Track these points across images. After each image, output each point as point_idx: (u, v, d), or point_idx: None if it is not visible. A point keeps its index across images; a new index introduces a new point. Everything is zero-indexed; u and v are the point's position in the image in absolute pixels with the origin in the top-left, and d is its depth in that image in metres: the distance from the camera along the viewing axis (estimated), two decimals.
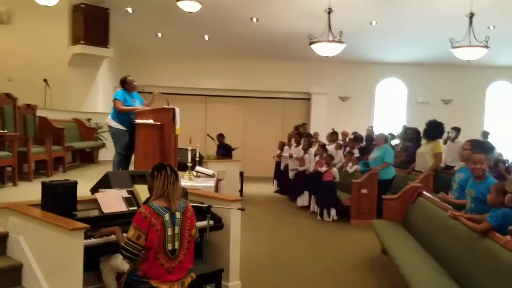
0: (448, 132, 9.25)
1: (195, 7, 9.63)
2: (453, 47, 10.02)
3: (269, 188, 11.40)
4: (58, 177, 7.24)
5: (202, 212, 4.07)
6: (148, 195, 3.98)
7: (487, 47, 9.64)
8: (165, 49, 13.23)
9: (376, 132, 12.11)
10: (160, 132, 6.43)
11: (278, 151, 10.96)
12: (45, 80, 9.78)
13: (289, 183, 9.84)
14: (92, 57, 10.52)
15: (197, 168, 6.67)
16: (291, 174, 9.75)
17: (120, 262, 3.40)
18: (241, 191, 9.69)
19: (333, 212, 7.85)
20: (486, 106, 14.36)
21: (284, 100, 14.28)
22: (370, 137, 10.11)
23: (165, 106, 6.56)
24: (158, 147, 6.38)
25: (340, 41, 9.69)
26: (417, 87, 14.09)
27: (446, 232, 4.13)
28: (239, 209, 4.21)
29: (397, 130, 12.91)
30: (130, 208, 3.85)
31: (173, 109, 6.49)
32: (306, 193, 8.81)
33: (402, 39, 12.49)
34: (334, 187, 7.94)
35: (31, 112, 7.68)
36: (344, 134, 10.72)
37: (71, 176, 7.67)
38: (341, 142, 9.96)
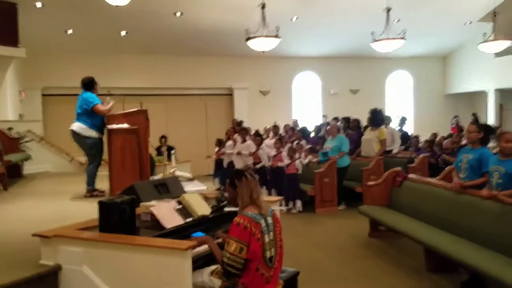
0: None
1: (123, 1, 8.95)
2: (375, 41, 10.89)
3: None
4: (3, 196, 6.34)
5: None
6: (201, 204, 3.73)
7: (404, 38, 10.66)
8: (77, 47, 12.08)
9: (300, 124, 12.70)
10: (137, 136, 5.95)
11: (216, 148, 10.79)
12: None
13: None
14: None
15: (177, 172, 6.29)
16: None
17: (208, 280, 3.12)
18: None
19: (298, 203, 8.03)
20: (386, 94, 15.86)
21: (206, 96, 14.07)
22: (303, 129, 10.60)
23: (138, 109, 6.09)
24: (137, 154, 5.89)
25: (276, 36, 9.87)
26: (329, 79, 14.99)
27: (444, 204, 4.93)
28: (280, 208, 4.12)
29: (317, 121, 13.71)
30: (187, 220, 3.54)
31: (146, 111, 6.07)
32: (263, 188, 8.84)
33: (317, 34, 13.18)
34: (298, 179, 8.12)
35: None
36: (286, 127, 10.98)
37: (18, 194, 6.69)
38: (283, 135, 10.19)
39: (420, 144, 9.68)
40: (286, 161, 8.11)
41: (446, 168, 6.28)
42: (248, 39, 9.97)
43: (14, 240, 4.19)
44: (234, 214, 3.92)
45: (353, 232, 6.49)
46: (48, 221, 4.87)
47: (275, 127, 10.48)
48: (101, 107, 6.11)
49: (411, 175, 6.03)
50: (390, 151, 9.30)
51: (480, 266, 3.79)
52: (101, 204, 3.09)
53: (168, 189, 4.31)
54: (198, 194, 3.90)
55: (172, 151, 9.82)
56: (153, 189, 4.13)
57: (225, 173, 10.49)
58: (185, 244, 2.70)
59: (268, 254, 3.03)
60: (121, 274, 2.86)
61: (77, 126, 6.16)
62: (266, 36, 9.80)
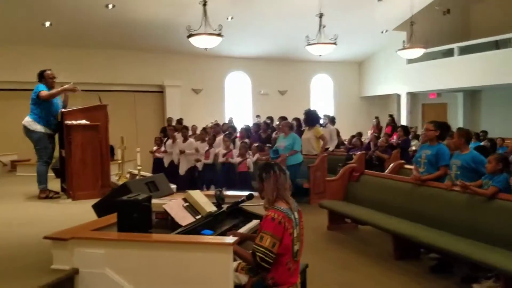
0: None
1: None
2: (308, 44, 11.37)
3: None
4: None
5: (237, 213, 3.96)
6: (205, 201, 3.69)
7: (335, 43, 11.29)
8: None
9: (236, 123, 12.84)
10: (97, 134, 5.61)
11: (155, 147, 10.47)
12: None
13: (183, 180, 9.56)
14: None
15: (142, 172, 6.02)
16: (182, 171, 9.51)
17: (233, 276, 3.08)
18: None
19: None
20: (311, 95, 16.59)
21: (135, 93, 13.53)
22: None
23: (98, 104, 5.75)
24: (98, 152, 5.56)
25: (219, 34, 9.86)
26: (259, 80, 15.29)
27: (404, 196, 5.45)
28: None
29: (248, 120, 13.95)
30: (197, 218, 3.46)
31: (106, 107, 5.77)
32: (212, 187, 8.79)
33: (250, 34, 13.39)
34: (249, 177, 8.21)
35: None
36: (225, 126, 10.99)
37: None
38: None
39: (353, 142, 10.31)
40: (238, 159, 8.17)
41: (392, 164, 6.83)
42: (190, 36, 9.82)
43: (3, 245, 3.82)
44: (241, 210, 3.96)
45: (312, 225, 6.73)
46: (16, 225, 4.46)
47: (217, 125, 10.46)
48: (43, 92, 5.66)
49: (367, 170, 6.44)
50: (327, 148, 9.80)
51: (449, 249, 4.22)
52: (121, 203, 2.91)
53: (157, 187, 4.16)
54: (200, 192, 3.83)
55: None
56: (145, 187, 3.96)
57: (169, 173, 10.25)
58: (230, 239, 2.67)
59: (295, 249, 3.09)
60: (153, 274, 2.72)
61: (25, 119, 5.70)
62: (209, 34, 9.74)
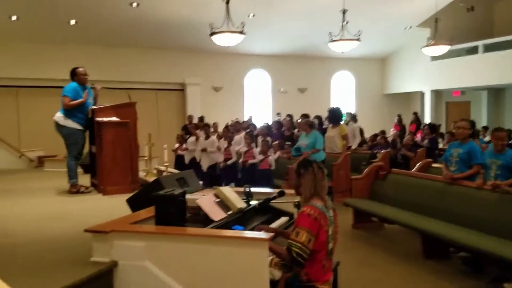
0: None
1: None
2: (332, 41, 11.30)
3: None
4: None
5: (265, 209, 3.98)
6: (235, 197, 3.72)
7: (359, 40, 11.18)
8: (21, 35, 11.17)
9: (256, 121, 12.87)
10: (127, 131, 5.70)
11: (177, 145, 10.56)
12: None
13: (205, 176, 9.64)
14: None
15: (169, 169, 6.09)
16: (204, 167, 9.58)
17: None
18: None
19: None
20: (331, 92, 16.50)
21: (157, 91, 13.67)
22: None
23: (128, 101, 5.84)
24: (128, 148, 5.64)
25: (241, 32, 9.87)
26: (279, 77, 15.27)
27: (434, 194, 5.38)
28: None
29: (267, 118, 13.96)
30: (228, 213, 3.50)
31: (135, 104, 5.85)
32: (232, 185, 8.84)
33: (270, 32, 13.38)
34: (271, 174, 8.22)
35: None
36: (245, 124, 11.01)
37: None
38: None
39: (378, 140, 10.23)
40: (260, 157, 8.19)
41: (420, 163, 6.76)
42: (212, 34, 9.86)
43: (39, 239, 3.88)
44: (269, 207, 3.98)
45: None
46: (51, 219, 4.56)
47: (238, 123, 10.49)
48: (65, 99, 5.76)
49: (394, 169, 6.39)
50: (349, 147, 9.74)
51: (481, 247, 4.16)
52: (159, 197, 2.97)
53: (187, 183, 4.20)
54: (230, 188, 3.87)
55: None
56: (175, 182, 4.01)
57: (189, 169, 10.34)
58: (267, 234, 2.69)
59: (330, 246, 3.10)
60: (190, 267, 2.78)
61: (56, 115, 5.83)
62: (231, 32, 9.77)
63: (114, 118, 5.60)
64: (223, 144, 9.42)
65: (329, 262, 3.14)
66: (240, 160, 8.68)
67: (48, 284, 2.52)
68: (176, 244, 2.79)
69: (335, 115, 9.31)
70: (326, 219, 3.02)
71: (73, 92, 5.69)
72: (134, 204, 3.92)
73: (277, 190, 3.99)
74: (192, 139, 10.14)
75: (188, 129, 11.06)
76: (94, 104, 6.04)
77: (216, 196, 3.64)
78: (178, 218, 2.99)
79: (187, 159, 10.23)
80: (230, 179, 8.95)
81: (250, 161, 8.33)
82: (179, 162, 10.58)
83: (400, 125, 13.58)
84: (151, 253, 2.82)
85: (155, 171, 6.37)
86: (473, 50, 14.35)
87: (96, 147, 5.64)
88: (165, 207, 2.95)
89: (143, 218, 3.13)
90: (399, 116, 13.76)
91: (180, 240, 2.78)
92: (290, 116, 12.42)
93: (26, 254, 3.39)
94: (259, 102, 15.18)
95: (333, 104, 16.36)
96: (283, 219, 3.98)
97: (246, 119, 13.27)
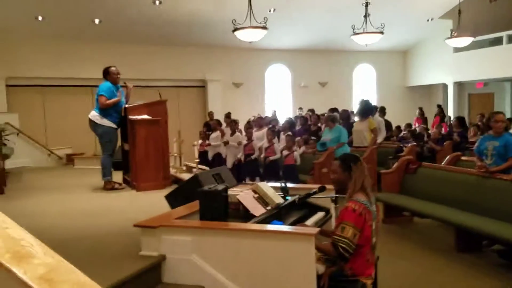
0: None
1: None
2: (354, 34, 11.22)
3: None
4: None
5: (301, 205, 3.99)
6: (273, 193, 3.74)
7: (382, 32, 11.09)
8: (47, 34, 11.39)
9: (279, 115, 12.89)
10: (158, 128, 5.79)
11: (200, 141, 10.64)
12: None
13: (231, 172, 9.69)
14: None
15: (200, 166, 6.17)
16: (229, 163, 9.63)
17: None
18: None
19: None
20: (353, 86, 16.41)
21: (178, 88, 13.78)
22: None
23: (159, 99, 5.93)
24: (159, 145, 5.74)
25: (264, 27, 9.88)
26: (299, 72, 15.23)
27: (468, 188, 5.31)
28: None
29: (288, 113, 13.96)
30: (268, 208, 3.54)
31: (166, 102, 5.93)
32: (257, 179, 8.87)
33: (291, 26, 13.34)
34: (296, 170, 8.24)
35: None
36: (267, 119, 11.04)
37: (17, 195, 6.17)
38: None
39: (404, 133, 10.15)
40: (284, 152, 8.21)
41: (448, 156, 6.70)
42: (235, 29, 9.89)
43: (87, 234, 4.00)
44: (305, 202, 4.00)
45: None
46: (90, 215, 4.67)
47: (260, 118, 10.51)
48: (101, 99, 5.85)
49: (424, 163, 6.36)
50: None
51: None
52: (203, 193, 3.03)
53: (223, 178, 4.26)
54: (267, 183, 3.91)
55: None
56: (212, 178, 4.07)
57: (212, 165, 10.41)
58: (314, 229, 2.73)
59: (373, 241, 3.13)
60: (236, 261, 2.83)
61: (92, 113, 5.95)
62: (254, 27, 9.78)
63: (146, 116, 5.69)
64: (244, 139, 9.45)
65: (373, 257, 3.18)
66: (262, 155, 8.71)
67: (107, 277, 2.60)
68: (222, 238, 2.85)
69: (365, 108, 9.19)
70: (370, 214, 3.04)
71: (109, 91, 5.80)
72: (173, 199, 4.00)
73: (316, 186, 4.00)
74: (214, 135, 10.20)
75: (210, 125, 11.13)
76: (126, 102, 6.14)
77: (254, 191, 3.68)
78: (221, 213, 3.05)
79: (210, 155, 10.30)
80: (252, 174, 8.98)
81: (271, 158, 8.35)
82: (202, 158, 10.66)
83: (422, 118, 13.45)
84: (198, 247, 2.89)
85: (184, 168, 6.45)
86: (497, 41, 14.09)
87: (129, 144, 5.75)
88: (209, 203, 3.02)
89: (187, 213, 3.20)
90: (421, 109, 13.62)
91: (226, 235, 2.84)
92: (311, 110, 12.41)
93: (81, 249, 3.49)
94: (279, 97, 15.17)
95: (355, 97, 16.30)
96: (319, 214, 4.00)
97: (267, 114, 13.29)
